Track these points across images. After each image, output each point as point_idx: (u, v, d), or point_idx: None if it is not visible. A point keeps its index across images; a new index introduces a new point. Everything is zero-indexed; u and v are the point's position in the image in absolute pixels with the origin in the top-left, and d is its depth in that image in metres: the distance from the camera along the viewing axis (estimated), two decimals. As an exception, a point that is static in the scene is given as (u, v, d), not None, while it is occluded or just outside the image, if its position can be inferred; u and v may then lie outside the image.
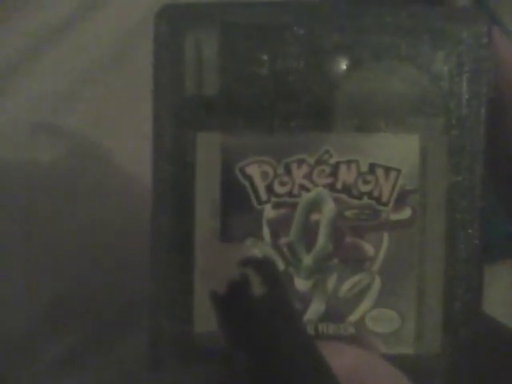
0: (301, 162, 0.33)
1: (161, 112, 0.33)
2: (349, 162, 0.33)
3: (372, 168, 0.33)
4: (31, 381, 0.44)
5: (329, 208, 0.33)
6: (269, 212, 0.33)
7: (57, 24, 0.47)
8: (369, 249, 0.33)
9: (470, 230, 0.33)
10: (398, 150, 0.33)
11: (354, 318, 0.33)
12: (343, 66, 0.33)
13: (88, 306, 0.45)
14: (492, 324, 0.36)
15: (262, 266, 0.29)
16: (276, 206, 0.33)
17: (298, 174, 0.33)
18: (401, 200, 0.33)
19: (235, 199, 0.33)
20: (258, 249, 0.33)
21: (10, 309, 0.44)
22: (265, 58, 0.33)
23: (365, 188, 0.33)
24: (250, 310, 0.28)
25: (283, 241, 0.33)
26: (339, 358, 0.31)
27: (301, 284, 0.33)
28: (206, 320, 0.32)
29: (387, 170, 0.33)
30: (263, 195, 0.33)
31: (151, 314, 0.33)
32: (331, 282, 0.33)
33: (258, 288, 0.28)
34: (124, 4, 0.48)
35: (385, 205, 0.33)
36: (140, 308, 0.34)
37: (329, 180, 0.33)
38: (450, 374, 0.34)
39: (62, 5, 0.48)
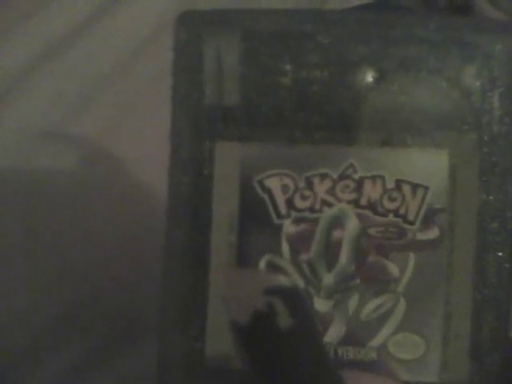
0: (323, 176, 0.31)
1: (179, 121, 0.32)
2: (374, 178, 0.32)
3: (398, 184, 0.32)
4: None
5: (352, 225, 0.32)
6: (289, 227, 0.32)
7: (70, 29, 0.47)
8: (393, 269, 0.32)
9: (500, 253, 0.32)
10: (426, 166, 0.32)
11: (375, 342, 0.31)
12: (369, 78, 0.32)
13: (92, 319, 0.44)
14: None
15: (291, 296, 0.27)
16: (296, 221, 0.32)
17: (321, 188, 0.32)
18: (428, 219, 0.32)
19: (254, 213, 0.31)
20: (278, 268, 0.31)
21: (14, 322, 0.43)
22: (287, 67, 0.32)
23: (391, 205, 0.32)
24: (274, 341, 0.26)
25: (303, 258, 0.32)
26: None
27: (321, 304, 0.31)
28: (218, 342, 0.31)
29: (414, 186, 0.32)
30: (283, 209, 0.31)
31: (162, 332, 0.31)
32: (353, 303, 0.32)
33: (284, 320, 0.26)
34: (138, 10, 0.47)
35: (411, 223, 0.32)
36: (146, 324, 0.32)
37: (353, 196, 0.32)
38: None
39: (75, 10, 0.47)
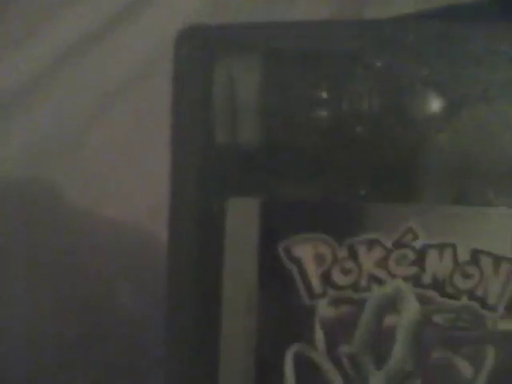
0: (372, 244, 0.24)
1: (181, 169, 0.25)
2: (442, 247, 0.24)
3: (475, 256, 0.24)
4: None
5: (411, 309, 0.24)
6: (324, 310, 0.25)
7: (81, 40, 0.45)
8: (466, 368, 0.24)
9: None
10: (514, 231, 0.24)
11: None
12: (436, 110, 0.24)
13: (95, 353, 0.42)
14: None
15: None
16: (335, 302, 0.25)
17: (368, 259, 0.24)
18: (515, 303, 0.24)
19: (277, 290, 0.25)
20: (310, 363, 0.24)
21: (13, 356, 0.42)
22: (323, 97, 0.24)
23: (464, 284, 0.24)
24: None
25: (343, 350, 0.25)
26: None
27: (367, 413, 0.24)
28: None
29: (497, 259, 0.24)
30: (317, 286, 0.25)
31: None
32: (410, 413, 0.24)
33: None
34: (149, 23, 0.45)
35: (492, 309, 0.24)
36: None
37: (412, 270, 0.24)
38: None
39: (85, 22, 0.45)
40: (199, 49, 0.25)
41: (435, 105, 0.24)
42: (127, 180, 0.44)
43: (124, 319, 0.43)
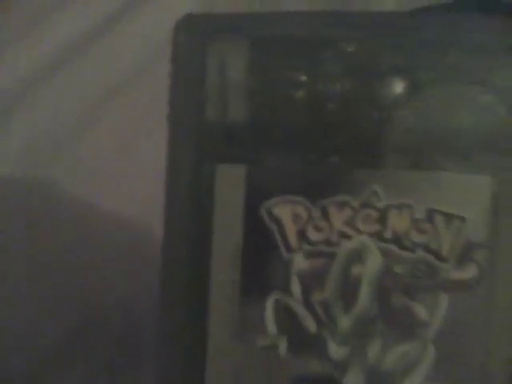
0: (342, 205, 0.27)
1: (177, 140, 0.28)
2: (401, 207, 0.27)
3: (430, 214, 0.27)
4: None
5: (374, 261, 0.27)
6: (300, 262, 0.28)
7: (73, 43, 0.45)
8: (422, 312, 0.27)
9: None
10: (464, 193, 0.27)
11: (400, 395, 0.27)
12: (399, 91, 0.27)
13: (93, 344, 0.42)
14: None
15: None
16: (309, 255, 0.28)
17: (338, 218, 0.27)
18: (465, 255, 0.27)
19: (260, 245, 0.28)
20: (287, 309, 0.27)
21: (12, 348, 0.42)
22: (303, 78, 0.27)
23: (420, 238, 0.27)
24: None
25: (316, 297, 0.28)
26: None
27: (335, 350, 0.28)
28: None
29: (449, 217, 0.27)
30: (294, 242, 0.27)
31: (160, 374, 0.28)
32: (373, 351, 0.27)
33: None
34: (147, 21, 0.45)
35: (444, 260, 0.27)
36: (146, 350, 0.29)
37: (375, 227, 0.27)
38: None
39: (84, 21, 0.45)
40: (195, 35, 0.28)
41: (398, 85, 0.27)
42: (125, 175, 0.44)
43: (119, 313, 0.42)
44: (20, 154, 0.44)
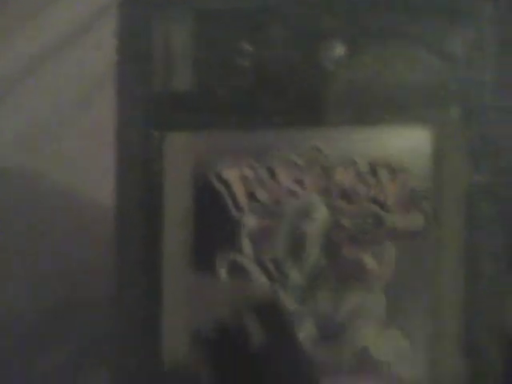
0: (288, 164, 0.28)
1: (125, 112, 0.28)
2: (344, 162, 0.28)
3: (373, 167, 0.28)
4: None
5: (322, 216, 0.28)
6: (250, 222, 0.28)
7: (64, 37, 0.44)
8: (371, 263, 0.28)
9: (493, 240, 0.27)
10: (406, 145, 0.28)
11: (354, 344, 0.28)
12: (339, 52, 0.28)
13: (66, 329, 0.41)
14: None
15: (265, 311, 0.25)
16: (258, 214, 0.28)
17: (285, 177, 0.28)
18: (410, 205, 0.28)
19: (210, 208, 0.28)
20: (239, 267, 0.28)
21: None
22: (247, 47, 0.28)
23: (365, 191, 0.28)
24: (244, 359, 0.23)
25: (267, 255, 0.28)
26: None
27: (288, 303, 0.28)
28: (176, 355, 0.28)
29: (392, 169, 0.28)
30: (243, 202, 0.28)
31: (116, 348, 0.29)
32: (325, 302, 0.28)
33: (257, 336, 0.23)
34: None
35: (390, 211, 0.28)
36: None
37: (321, 183, 0.28)
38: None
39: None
40: (139, 9, 0.28)
41: (338, 47, 0.28)
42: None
43: None
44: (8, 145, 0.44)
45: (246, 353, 0.23)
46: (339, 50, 0.28)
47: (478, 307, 0.28)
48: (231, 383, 0.24)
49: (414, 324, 0.28)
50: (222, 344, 0.23)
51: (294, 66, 0.28)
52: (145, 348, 0.28)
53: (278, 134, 0.28)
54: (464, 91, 0.27)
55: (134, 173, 0.28)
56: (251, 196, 0.28)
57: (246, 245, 0.28)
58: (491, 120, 0.27)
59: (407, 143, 0.28)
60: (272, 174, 0.28)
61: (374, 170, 0.28)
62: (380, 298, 0.28)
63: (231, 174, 0.28)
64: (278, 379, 0.23)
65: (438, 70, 0.27)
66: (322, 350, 0.28)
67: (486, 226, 0.28)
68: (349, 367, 0.28)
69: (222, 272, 0.28)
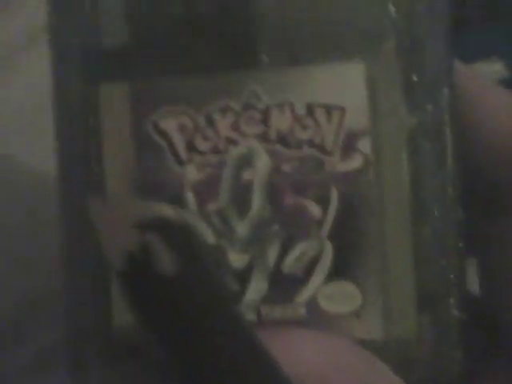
0: (224, 110, 0.27)
1: (59, 67, 0.28)
2: (281, 105, 0.27)
3: (310, 109, 0.27)
4: None
5: (262, 163, 0.27)
6: (192, 174, 0.27)
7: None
8: (314, 209, 0.27)
9: (439, 178, 0.26)
10: (340, 83, 0.26)
11: (303, 296, 0.27)
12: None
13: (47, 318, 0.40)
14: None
15: (173, 231, 0.22)
16: (200, 166, 0.27)
17: (223, 124, 0.27)
18: (349, 145, 0.27)
19: (150, 160, 0.28)
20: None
21: None
22: None
23: (303, 135, 0.27)
24: (157, 292, 0.22)
25: (211, 207, 0.27)
26: (291, 347, 0.25)
27: (236, 259, 0.27)
28: (125, 310, 0.27)
29: (328, 109, 0.27)
30: (183, 154, 0.27)
31: (67, 307, 0.28)
32: (272, 254, 0.27)
33: (166, 263, 0.22)
34: None
35: (329, 153, 0.27)
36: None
37: (260, 129, 0.27)
38: (429, 363, 0.26)
39: None
40: None
41: None
42: None
43: None
44: None
45: (155, 285, 0.22)
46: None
47: (426, 252, 0.26)
48: (148, 323, 0.23)
49: (364, 273, 0.27)
50: (128, 275, 0.22)
51: (224, 10, 0.27)
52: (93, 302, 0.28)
53: (212, 79, 0.27)
54: (396, 22, 0.26)
55: (72, 129, 0.28)
56: (191, 147, 0.27)
57: (189, 198, 0.28)
58: (427, 49, 0.26)
59: (341, 80, 0.26)
60: (210, 121, 0.27)
61: (311, 112, 0.27)
62: (326, 245, 0.27)
63: (169, 124, 0.28)
64: (191, 310, 0.22)
65: (369, 4, 0.26)
66: (271, 304, 0.27)
67: (428, 163, 0.26)
68: (298, 320, 0.27)
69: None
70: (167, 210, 0.23)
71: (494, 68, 0.57)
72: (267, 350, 0.23)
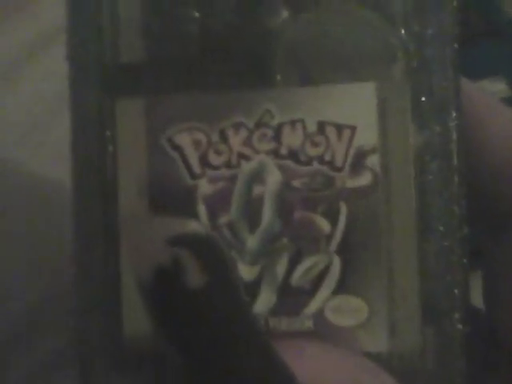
0: (238, 126, 0.28)
1: (77, 81, 0.29)
2: (293, 122, 0.28)
3: (321, 127, 0.28)
4: None
5: (273, 178, 0.28)
6: (204, 187, 0.28)
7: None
8: (323, 224, 0.28)
9: (445, 195, 0.27)
10: (351, 102, 0.27)
11: (311, 309, 0.28)
12: (282, 13, 0.28)
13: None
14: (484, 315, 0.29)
15: (202, 246, 0.23)
16: (212, 179, 0.28)
17: (236, 140, 0.28)
18: (358, 163, 0.27)
19: (164, 175, 0.28)
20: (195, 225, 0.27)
21: None
22: (194, 14, 0.28)
23: (314, 151, 0.28)
24: (184, 304, 0.23)
25: (223, 220, 0.28)
26: (300, 359, 0.26)
27: (246, 271, 0.28)
28: (136, 320, 0.28)
29: (339, 127, 0.27)
30: (196, 168, 0.28)
31: (77, 317, 0.29)
32: (281, 267, 0.28)
33: (195, 276, 0.23)
34: None
35: (339, 170, 0.27)
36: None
37: (271, 145, 0.28)
38: (433, 375, 0.27)
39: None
40: None
41: (281, 7, 0.28)
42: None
43: None
44: None
45: (183, 297, 0.22)
46: (284, 12, 0.28)
47: (431, 268, 0.27)
48: (172, 336, 0.23)
49: (371, 287, 0.27)
50: (157, 289, 0.22)
51: (240, 29, 0.28)
52: (104, 312, 0.29)
53: (227, 96, 0.28)
54: (405, 45, 0.27)
55: (88, 142, 0.29)
56: (204, 161, 0.28)
57: (201, 211, 0.28)
58: (434, 71, 0.27)
59: (353, 100, 0.27)
60: (224, 137, 0.28)
61: (322, 129, 0.28)
62: (334, 260, 0.28)
63: (183, 139, 0.28)
64: (216, 322, 0.23)
65: (379, 27, 0.27)
66: (279, 316, 0.28)
67: (435, 180, 0.27)
68: (305, 332, 0.28)
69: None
70: (195, 225, 0.24)
71: (498, 87, 0.58)
72: (285, 362, 0.24)
